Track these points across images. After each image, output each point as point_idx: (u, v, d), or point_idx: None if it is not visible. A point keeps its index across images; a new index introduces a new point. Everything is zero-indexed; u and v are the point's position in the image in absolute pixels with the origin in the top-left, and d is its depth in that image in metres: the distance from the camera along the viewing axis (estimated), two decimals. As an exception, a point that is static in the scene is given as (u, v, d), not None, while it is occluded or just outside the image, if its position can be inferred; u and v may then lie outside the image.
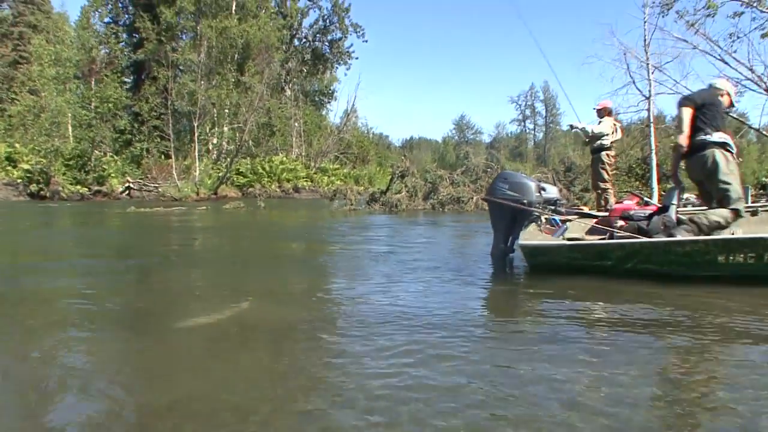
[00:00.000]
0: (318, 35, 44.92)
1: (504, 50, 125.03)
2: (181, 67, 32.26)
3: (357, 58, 44.90)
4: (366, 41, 44.80)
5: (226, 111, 31.66)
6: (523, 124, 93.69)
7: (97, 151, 25.24)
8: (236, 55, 33.99)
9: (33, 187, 22.94)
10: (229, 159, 28.71)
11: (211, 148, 30.34)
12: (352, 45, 44.60)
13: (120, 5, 34.81)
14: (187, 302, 4.75)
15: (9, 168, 23.24)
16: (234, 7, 34.37)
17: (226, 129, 31.22)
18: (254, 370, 2.73)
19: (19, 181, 22.95)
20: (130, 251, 8.89)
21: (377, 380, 2.50)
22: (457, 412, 2.17)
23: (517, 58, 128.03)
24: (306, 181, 30.93)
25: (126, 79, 31.49)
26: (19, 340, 3.42)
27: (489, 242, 6.47)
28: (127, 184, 25.04)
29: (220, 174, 27.25)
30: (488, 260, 6.22)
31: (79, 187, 23.56)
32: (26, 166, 23.14)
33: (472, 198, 14.83)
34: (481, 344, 3.09)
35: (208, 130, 30.50)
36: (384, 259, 6.76)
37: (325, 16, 44.29)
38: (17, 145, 24.11)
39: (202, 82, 31.26)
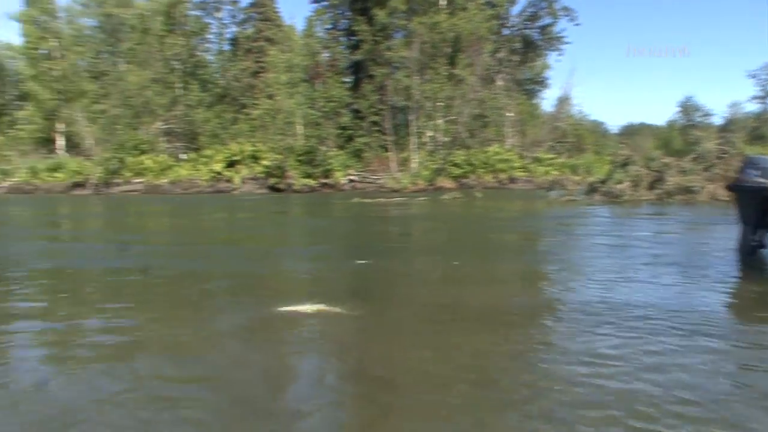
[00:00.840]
0: (527, 22, 43.87)
1: (736, 16, 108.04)
2: (395, 64, 34.06)
3: (569, 43, 42.72)
4: (578, 24, 42.44)
5: (440, 104, 32.53)
6: (765, 101, 79.99)
7: (323, 147, 27.80)
8: (447, 49, 34.73)
9: (272, 181, 26.10)
10: (444, 151, 29.45)
11: (426, 140, 31.49)
12: (563, 30, 42.61)
13: (338, 12, 38.08)
14: (420, 285, 4.97)
15: (253, 164, 26.79)
16: (444, 2, 35.21)
17: (440, 121, 32.11)
18: (465, 352, 3.02)
19: (260, 175, 26.30)
20: (356, 239, 9.76)
21: (582, 387, 2.39)
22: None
23: (756, 25, 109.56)
24: (521, 171, 30.35)
25: (346, 79, 34.28)
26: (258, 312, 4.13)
27: (732, 236, 5.69)
28: (350, 177, 27.14)
29: (436, 166, 28.06)
30: (733, 256, 5.50)
31: (308, 179, 26.18)
32: (266, 162, 26.45)
33: (706, 187, 13.23)
34: (718, 356, 2.57)
35: (423, 123, 31.71)
36: (612, 252, 6.37)
37: (534, 2, 43.08)
38: (259, 144, 27.72)
39: (416, 78, 32.53)
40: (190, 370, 3.05)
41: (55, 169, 31.05)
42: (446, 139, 31.56)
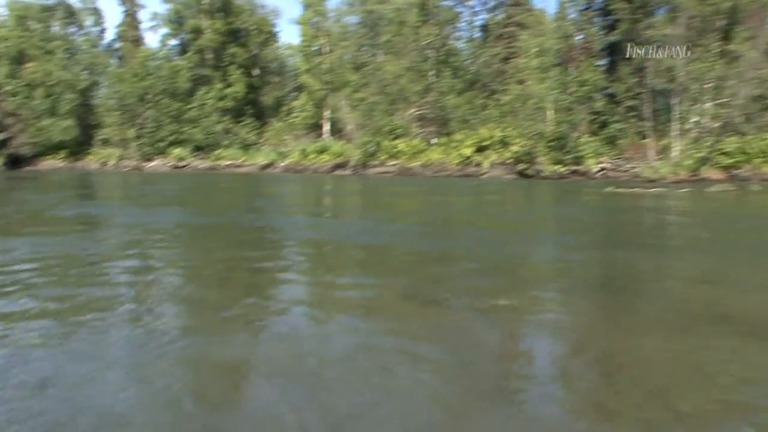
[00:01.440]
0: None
1: None
2: (657, 43, 32.17)
3: None
4: None
5: (709, 85, 29.93)
6: None
7: (574, 133, 27.77)
8: (721, 22, 31.64)
9: (520, 167, 26.96)
10: (712, 137, 27.19)
11: (691, 126, 29.35)
12: None
13: (594, -9, 37.09)
14: (675, 283, 5.13)
15: (501, 150, 27.97)
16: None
17: (708, 105, 29.59)
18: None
19: (509, 161, 27.33)
20: (606, 230, 9.72)
21: None
22: None
23: None
24: (814, 162, 26.53)
25: (601, 62, 33.44)
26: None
27: None
28: (602, 165, 26.72)
29: (702, 154, 26.12)
30: None
31: (557, 166, 26.47)
32: (515, 148, 27.39)
33: None
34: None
35: (688, 108, 29.59)
36: None
37: None
38: (509, 129, 28.77)
39: (681, 57, 30.38)
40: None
41: (321, 151, 36.05)
42: (715, 124, 29.01)
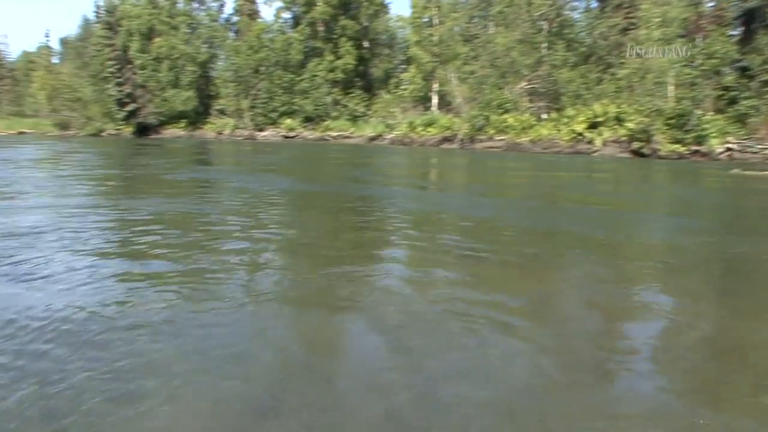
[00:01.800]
0: None
1: None
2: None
3: None
4: None
5: None
6: None
7: (698, 111, 26.50)
8: None
9: (635, 145, 26.24)
10: None
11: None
12: None
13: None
14: None
15: (616, 126, 27.26)
16: None
17: None
18: None
19: (623, 138, 26.64)
20: (728, 215, 9.29)
21: None
22: None
23: None
24: None
25: (733, 32, 31.36)
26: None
27: None
28: (728, 145, 25.41)
29: None
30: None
31: (677, 146, 25.50)
32: (630, 125, 26.63)
33: None
34: None
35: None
36: None
37: None
38: (624, 105, 27.93)
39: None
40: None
41: (429, 124, 36.63)
42: None
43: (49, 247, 5.14)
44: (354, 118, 43.79)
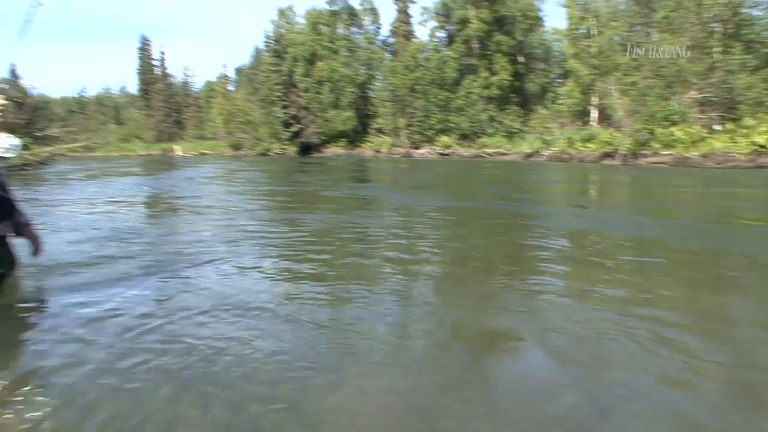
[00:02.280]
0: None
1: None
2: None
3: None
4: None
5: None
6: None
7: None
8: None
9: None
10: None
11: None
12: None
13: None
14: None
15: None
16: None
17: None
18: None
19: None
20: None
21: None
22: None
23: None
24: None
25: None
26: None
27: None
28: None
29: None
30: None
31: None
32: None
33: None
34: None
35: None
36: None
37: None
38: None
39: None
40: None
41: (588, 139, 36.16)
42: None
43: (232, 251, 6.11)
44: (510, 135, 44.29)
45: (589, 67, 41.50)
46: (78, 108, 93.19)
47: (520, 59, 49.08)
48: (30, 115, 39.01)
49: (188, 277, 4.75)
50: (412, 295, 4.44)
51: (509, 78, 46.71)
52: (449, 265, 5.73)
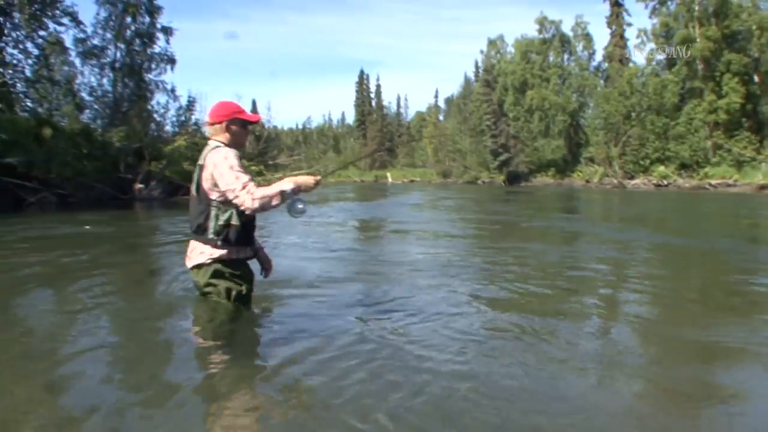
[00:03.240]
0: None
1: None
2: None
3: None
4: None
5: None
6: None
7: None
8: None
9: None
10: None
11: None
12: None
13: None
14: None
15: None
16: None
17: None
18: None
19: None
20: None
21: None
22: None
23: None
24: None
25: None
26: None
27: None
28: None
29: None
30: None
31: None
32: None
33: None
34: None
35: None
36: None
37: None
38: None
39: None
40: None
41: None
42: None
43: (438, 274, 6.43)
44: (739, 164, 40.77)
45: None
46: (302, 138, 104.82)
47: (756, 78, 44.83)
48: (264, 146, 45.79)
49: (405, 300, 5.06)
50: (605, 337, 4.21)
51: (740, 100, 42.84)
52: (659, 307, 5.30)
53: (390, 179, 75.66)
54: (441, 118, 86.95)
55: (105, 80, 29.06)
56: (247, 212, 3.46)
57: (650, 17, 50.62)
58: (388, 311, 4.56)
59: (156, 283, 5.90)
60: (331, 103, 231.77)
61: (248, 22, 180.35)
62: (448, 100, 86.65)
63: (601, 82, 57.40)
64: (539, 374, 3.23)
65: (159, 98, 30.58)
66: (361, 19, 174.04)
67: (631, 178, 46.95)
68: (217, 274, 3.65)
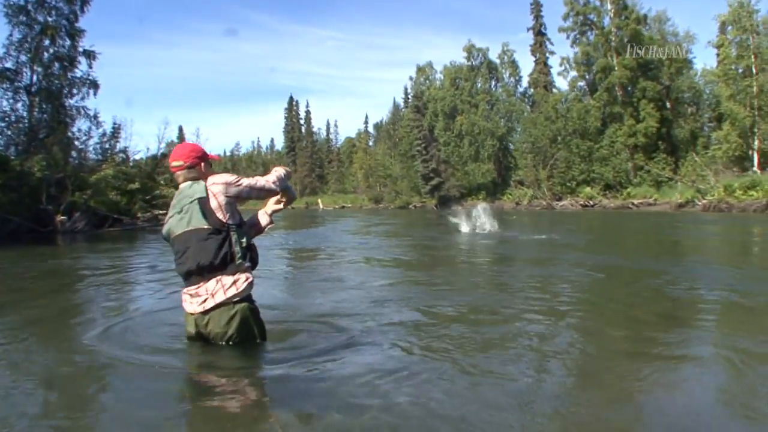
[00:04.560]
0: None
1: None
2: None
3: None
4: None
5: None
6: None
7: None
8: None
9: None
10: None
11: None
12: None
13: None
14: None
15: None
16: None
17: None
18: None
19: None
20: None
21: None
22: None
23: None
24: None
25: None
26: None
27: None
28: None
29: None
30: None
31: None
32: None
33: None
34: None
35: None
36: None
37: None
38: None
39: None
40: None
41: (750, 187, 34.42)
42: None
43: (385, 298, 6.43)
44: (657, 184, 43.36)
45: (748, 109, 39.90)
46: (230, 165, 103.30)
47: (668, 104, 48.11)
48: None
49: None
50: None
51: (656, 124, 45.82)
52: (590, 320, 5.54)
53: (321, 206, 75.58)
54: (371, 143, 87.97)
55: (19, 105, 27.22)
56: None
57: (572, 46, 53.54)
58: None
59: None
60: (260, 130, 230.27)
61: (173, 46, 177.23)
62: (378, 126, 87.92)
63: (528, 107, 60.04)
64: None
65: (80, 125, 29.04)
66: (291, 47, 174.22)
67: (559, 199, 48.94)
68: (249, 311, 3.64)
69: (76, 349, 4.34)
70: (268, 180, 3.82)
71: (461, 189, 59.93)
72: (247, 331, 3.63)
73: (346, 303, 6.15)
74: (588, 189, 47.24)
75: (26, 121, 27.25)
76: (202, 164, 3.75)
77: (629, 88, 48.29)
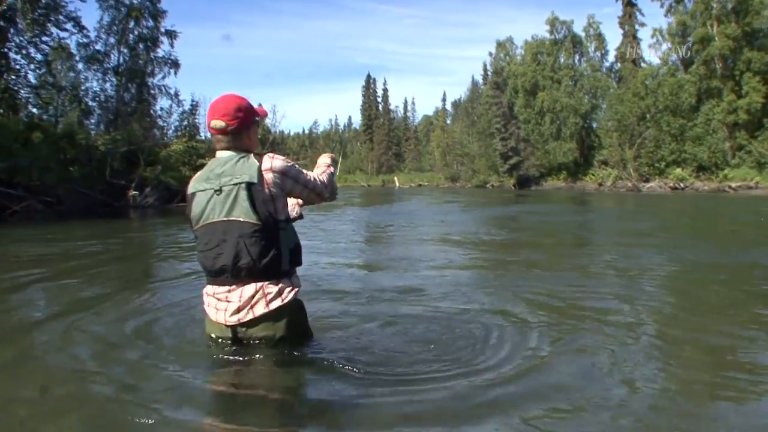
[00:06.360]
0: None
1: None
2: None
3: None
4: None
5: None
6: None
7: None
8: None
9: None
10: None
11: None
12: None
13: None
14: None
15: None
16: None
17: None
18: None
19: None
20: None
21: None
22: None
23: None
24: None
25: None
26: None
27: None
28: None
29: None
30: None
31: None
32: None
33: None
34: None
35: None
36: None
37: None
38: None
39: None
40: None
41: None
42: None
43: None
44: (760, 165, 39.52)
45: None
46: (308, 143, 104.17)
47: (776, 78, 43.55)
48: (269, 151, 45.23)
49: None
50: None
51: (762, 100, 41.52)
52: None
53: (398, 183, 74.78)
54: (449, 121, 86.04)
55: (108, 85, 28.96)
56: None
57: (666, 16, 49.62)
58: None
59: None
60: (337, 108, 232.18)
61: (251, 27, 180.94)
62: (456, 104, 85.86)
63: (614, 83, 56.31)
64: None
65: (162, 103, 30.38)
66: (367, 24, 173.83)
67: (647, 180, 45.73)
68: (297, 307, 2.92)
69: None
70: (323, 181, 3.04)
71: (541, 168, 57.39)
72: (300, 327, 2.98)
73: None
74: (678, 170, 43.73)
75: (114, 100, 28.49)
76: (251, 129, 2.91)
77: (730, 61, 44.14)
